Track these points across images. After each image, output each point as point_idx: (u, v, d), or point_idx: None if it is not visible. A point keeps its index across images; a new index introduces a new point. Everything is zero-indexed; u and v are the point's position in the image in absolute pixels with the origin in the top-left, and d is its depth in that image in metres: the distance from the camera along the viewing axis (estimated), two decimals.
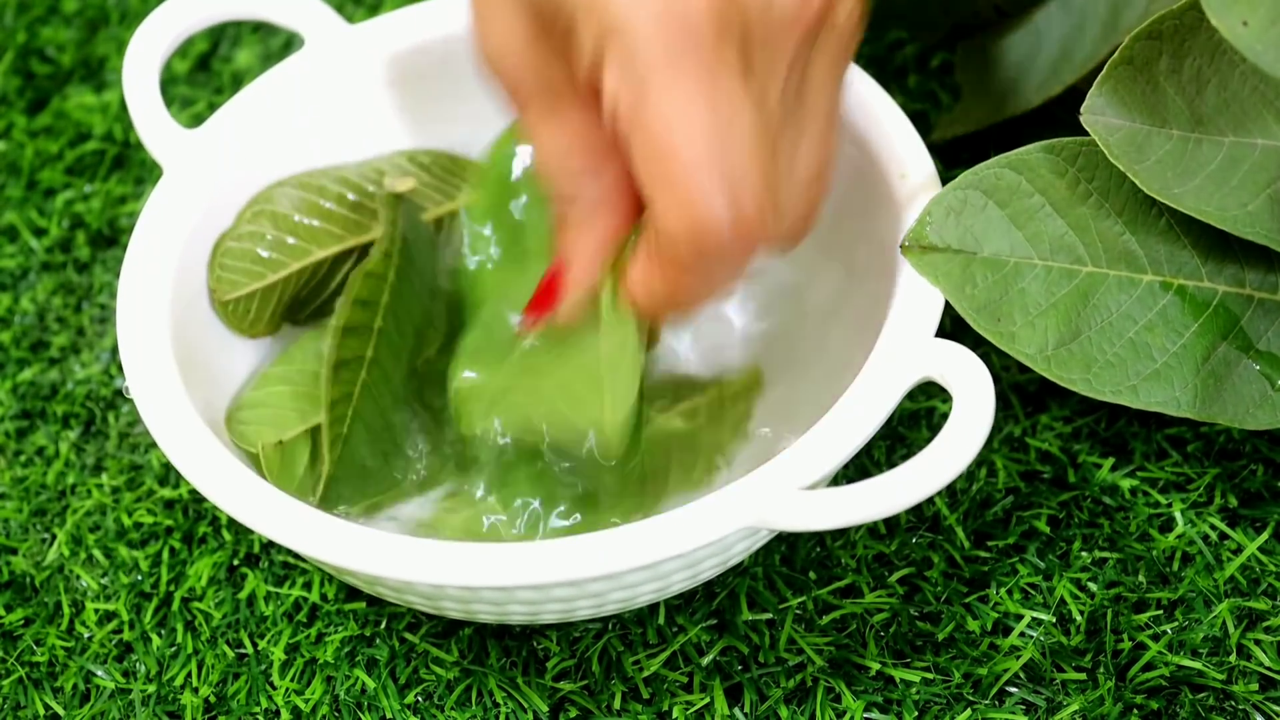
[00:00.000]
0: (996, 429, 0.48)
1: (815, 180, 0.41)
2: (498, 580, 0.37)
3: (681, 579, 0.41)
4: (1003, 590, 0.44)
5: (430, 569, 0.37)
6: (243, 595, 0.46)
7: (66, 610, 0.46)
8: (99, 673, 0.45)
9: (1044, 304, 0.42)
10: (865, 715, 0.42)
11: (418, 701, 0.43)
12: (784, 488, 0.37)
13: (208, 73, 0.62)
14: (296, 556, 0.47)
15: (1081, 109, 0.41)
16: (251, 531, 0.47)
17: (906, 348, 0.40)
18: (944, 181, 0.43)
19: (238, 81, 0.60)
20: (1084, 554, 0.45)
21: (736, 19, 0.37)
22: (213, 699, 0.44)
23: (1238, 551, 0.44)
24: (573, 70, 0.39)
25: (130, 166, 0.58)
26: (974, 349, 0.40)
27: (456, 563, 0.37)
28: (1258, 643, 0.43)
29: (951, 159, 0.55)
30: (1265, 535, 0.45)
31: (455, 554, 0.37)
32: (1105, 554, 0.45)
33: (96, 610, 0.46)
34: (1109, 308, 0.42)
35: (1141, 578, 0.44)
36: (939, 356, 0.39)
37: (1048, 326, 0.42)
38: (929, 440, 0.47)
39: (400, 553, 0.37)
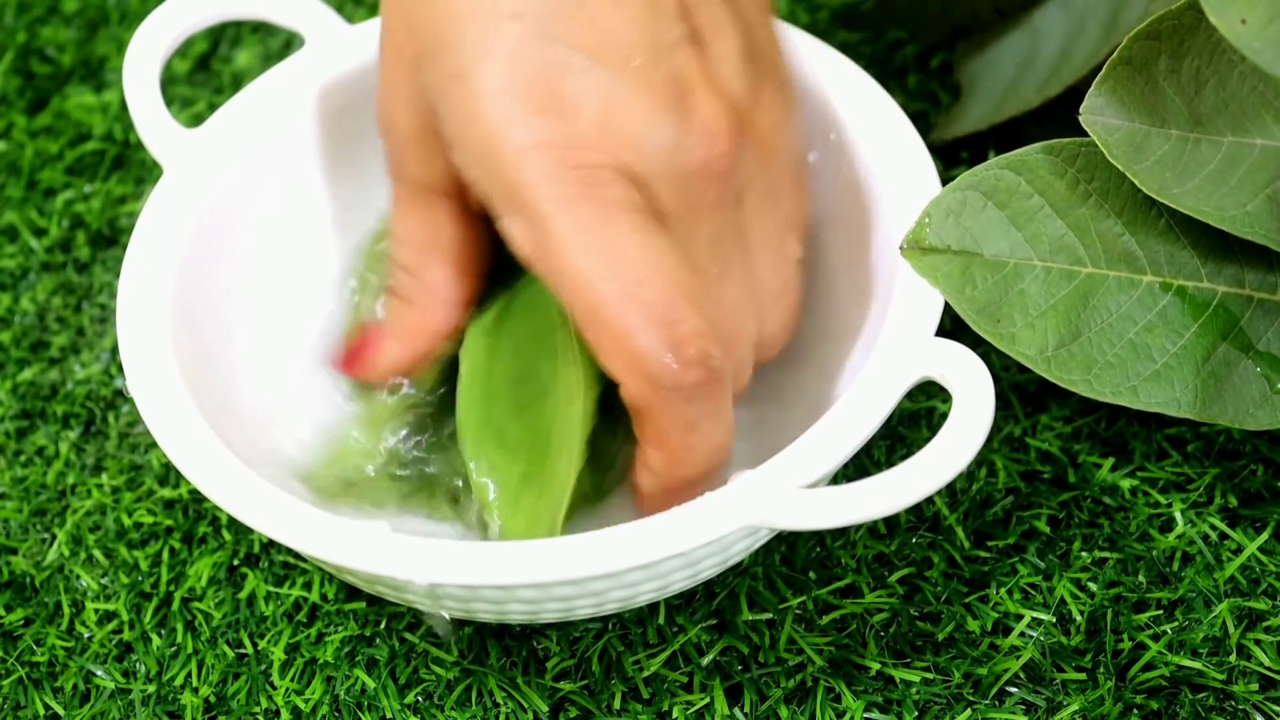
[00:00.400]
0: (996, 429, 0.48)
1: (780, 299, 0.42)
2: (497, 579, 0.37)
3: (682, 578, 0.41)
4: (1003, 590, 0.44)
5: (429, 568, 0.37)
6: (243, 595, 0.46)
7: (66, 610, 0.46)
8: (99, 673, 0.45)
9: (1044, 305, 0.42)
10: (865, 715, 0.42)
11: (418, 701, 0.43)
12: (784, 487, 0.37)
13: (208, 73, 0.62)
14: (296, 556, 0.47)
15: (1080, 109, 0.41)
16: (251, 531, 0.47)
17: (906, 347, 0.40)
18: (944, 182, 0.43)
19: (238, 81, 0.60)
20: (1084, 554, 0.45)
21: (634, 167, 0.37)
22: (213, 699, 0.44)
23: (1238, 551, 0.44)
24: (453, 175, 0.40)
25: (130, 166, 0.58)
26: (973, 349, 0.40)
27: (456, 562, 0.37)
28: (1258, 643, 0.43)
29: (951, 159, 0.55)
30: (1265, 535, 0.45)
31: (454, 553, 0.37)
32: (1105, 554, 0.45)
33: (96, 610, 0.46)
34: (1109, 309, 0.42)
35: (1141, 578, 0.44)
36: (939, 356, 0.39)
37: (1048, 328, 0.42)
38: (929, 440, 0.47)
39: (399, 552, 0.37)
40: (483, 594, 0.39)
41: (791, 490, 0.37)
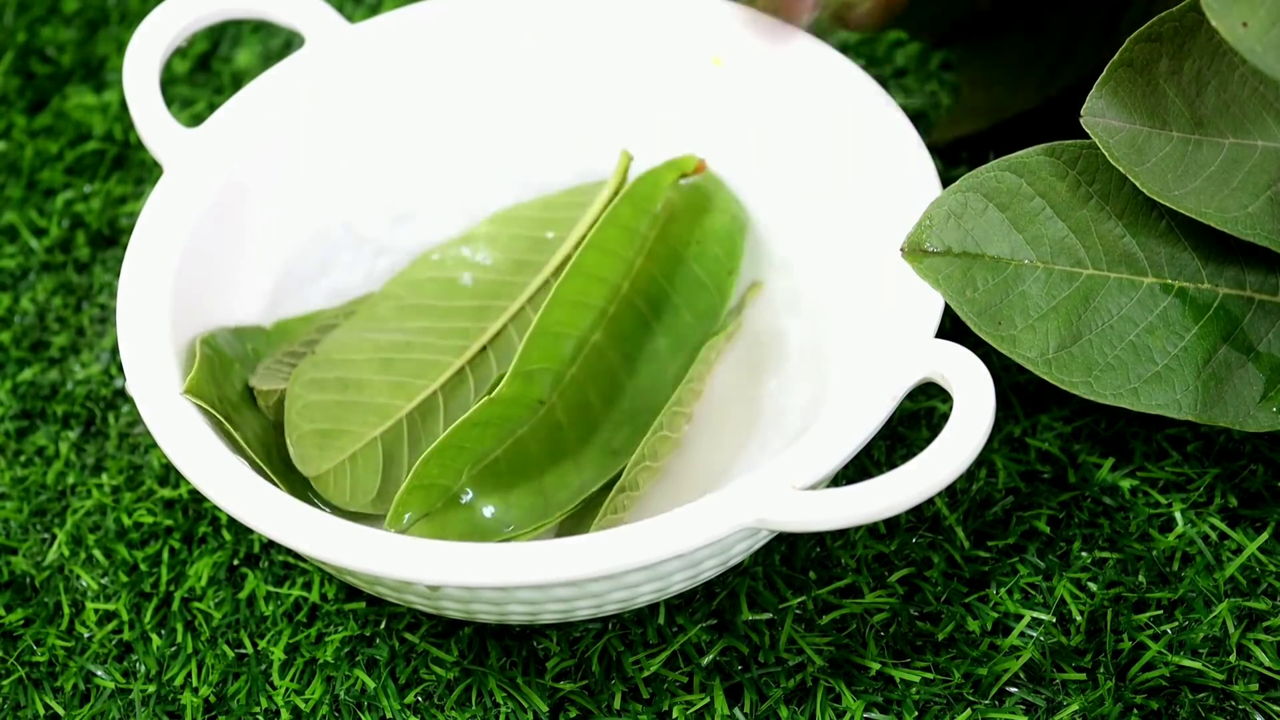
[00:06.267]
0: (996, 429, 0.48)
1: None
2: (497, 580, 0.37)
3: (682, 579, 0.41)
4: (1003, 590, 0.44)
5: (430, 568, 0.37)
6: (243, 595, 0.46)
7: (66, 610, 0.46)
8: (99, 673, 0.45)
9: (1045, 307, 0.42)
10: (865, 715, 0.42)
11: (418, 701, 0.43)
12: (784, 488, 0.37)
13: (208, 73, 0.62)
14: (296, 556, 0.47)
15: (1081, 111, 0.41)
16: (251, 531, 0.47)
17: (906, 348, 0.40)
18: (944, 182, 0.43)
19: (238, 81, 0.60)
20: (1084, 554, 0.45)
21: None
22: (213, 699, 0.44)
23: (1238, 551, 0.45)
24: None
25: (130, 166, 0.58)
26: (974, 350, 0.40)
27: (456, 562, 0.37)
28: (1258, 643, 0.43)
29: (952, 159, 0.55)
30: (1265, 535, 0.45)
31: (455, 554, 0.37)
32: (1105, 554, 0.45)
33: (96, 610, 0.46)
34: (1110, 310, 0.42)
35: (1141, 578, 0.44)
36: (939, 357, 0.39)
37: (1048, 330, 0.42)
38: (929, 440, 0.47)
39: (399, 552, 0.37)
40: (483, 595, 0.39)
41: (791, 492, 0.37)
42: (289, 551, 0.47)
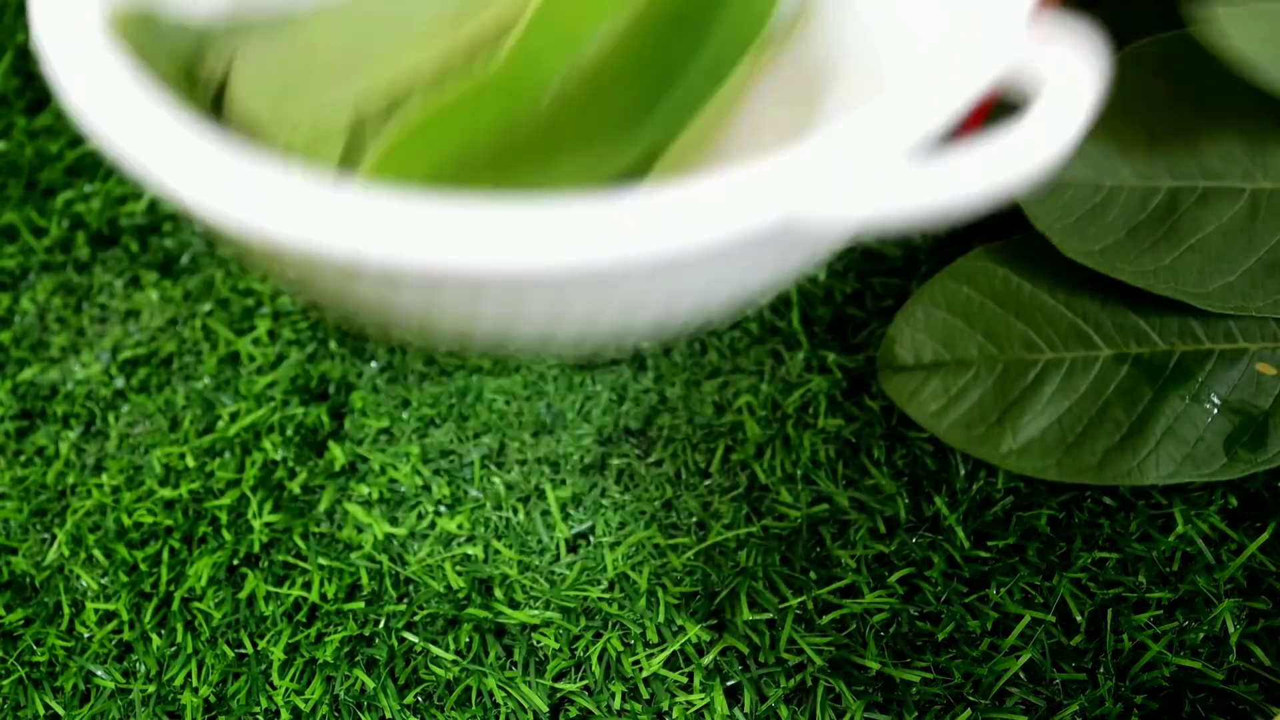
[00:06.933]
0: None
1: None
2: (456, 262, 0.28)
3: (691, 302, 0.32)
4: (1003, 590, 0.44)
5: (380, 233, 0.27)
6: (243, 595, 0.46)
7: (66, 610, 0.46)
8: (99, 673, 0.45)
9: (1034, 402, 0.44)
10: (865, 715, 0.42)
11: (417, 701, 0.43)
12: (834, 168, 0.29)
13: None
14: (297, 557, 0.47)
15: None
16: (251, 531, 0.47)
17: (995, 25, 0.31)
18: None
19: None
20: (1084, 554, 0.45)
21: None
22: (213, 699, 0.44)
23: (1238, 551, 0.44)
24: None
25: None
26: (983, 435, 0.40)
27: (404, 223, 0.28)
28: (1258, 643, 0.43)
29: None
30: (1265, 535, 0.45)
31: (410, 209, 0.28)
32: (1105, 554, 0.45)
33: (96, 610, 0.46)
34: (1074, 388, 0.44)
35: (1141, 578, 0.44)
36: (1033, 44, 0.31)
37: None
38: (930, 439, 0.47)
39: (338, 213, 0.27)
40: (449, 285, 0.30)
41: (846, 171, 0.29)
42: (289, 552, 0.47)
